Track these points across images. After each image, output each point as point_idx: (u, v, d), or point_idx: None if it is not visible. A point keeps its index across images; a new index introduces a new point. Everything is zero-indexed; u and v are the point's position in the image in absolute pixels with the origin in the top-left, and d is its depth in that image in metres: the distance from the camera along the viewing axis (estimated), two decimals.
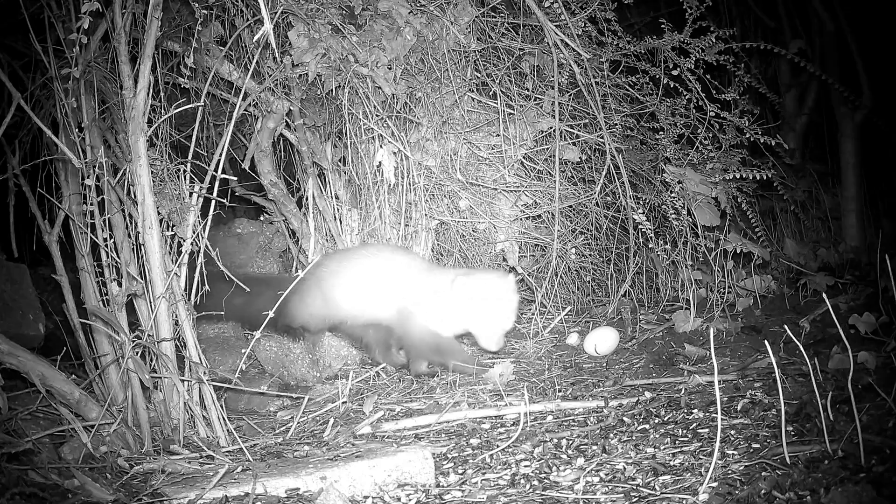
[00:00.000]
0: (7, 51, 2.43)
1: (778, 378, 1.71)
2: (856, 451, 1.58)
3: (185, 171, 2.26)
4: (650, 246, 3.10)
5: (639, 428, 2.03)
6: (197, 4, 2.21)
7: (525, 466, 1.85)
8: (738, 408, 2.05)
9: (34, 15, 2.18)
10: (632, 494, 1.63)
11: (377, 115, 2.88)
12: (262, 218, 3.27)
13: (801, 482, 1.57)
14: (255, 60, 2.59)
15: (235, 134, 2.89)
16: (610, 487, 1.69)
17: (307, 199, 3.07)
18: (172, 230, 2.21)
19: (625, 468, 1.76)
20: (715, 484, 1.61)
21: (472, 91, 3.10)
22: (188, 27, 2.67)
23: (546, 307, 3.18)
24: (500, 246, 3.17)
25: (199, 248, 2.24)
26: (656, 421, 2.07)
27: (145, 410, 2.10)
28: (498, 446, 1.98)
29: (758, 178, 3.10)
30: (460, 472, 1.86)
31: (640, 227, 2.95)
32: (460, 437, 2.11)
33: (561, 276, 3.18)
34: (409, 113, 2.98)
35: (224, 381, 2.29)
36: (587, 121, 3.12)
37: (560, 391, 2.44)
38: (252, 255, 3.17)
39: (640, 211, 2.98)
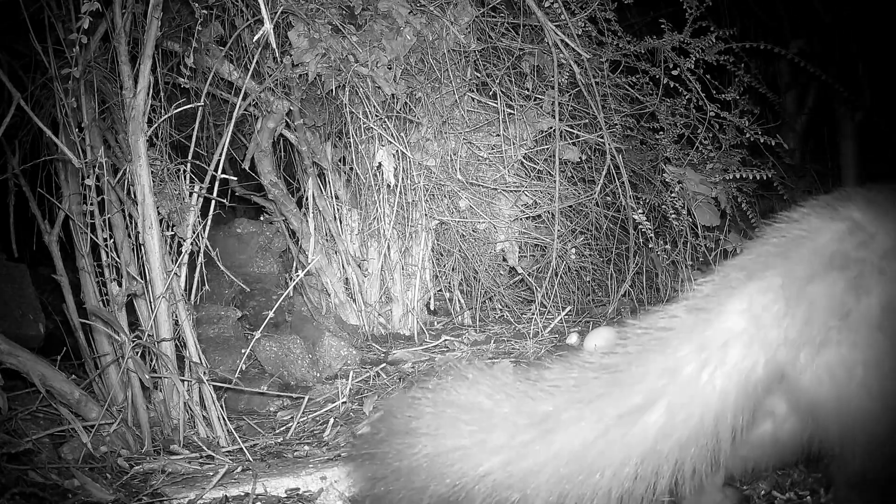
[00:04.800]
0: (7, 51, 2.43)
1: None
2: None
3: (185, 171, 2.26)
4: (650, 246, 3.10)
5: None
6: (197, 4, 2.21)
7: None
8: None
9: (34, 15, 2.18)
10: None
11: (377, 115, 2.88)
12: (262, 218, 3.27)
13: (801, 482, 1.57)
14: (255, 60, 2.59)
15: (235, 134, 2.89)
16: None
17: (307, 199, 3.07)
18: (172, 230, 2.21)
19: None
20: None
21: (472, 91, 3.10)
22: (188, 27, 2.67)
23: (546, 307, 3.18)
24: (500, 246, 3.17)
25: (199, 248, 2.24)
26: None
27: (145, 410, 2.10)
28: None
29: (758, 178, 3.10)
30: None
31: (640, 227, 2.95)
32: None
33: (561, 276, 3.18)
34: (409, 113, 2.99)
35: (224, 381, 2.29)
36: (587, 121, 3.12)
37: None
38: (252, 255, 3.17)
39: (640, 211, 2.98)
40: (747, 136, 3.09)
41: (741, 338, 1.17)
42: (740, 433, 1.17)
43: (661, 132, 3.12)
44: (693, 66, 2.99)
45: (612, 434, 1.17)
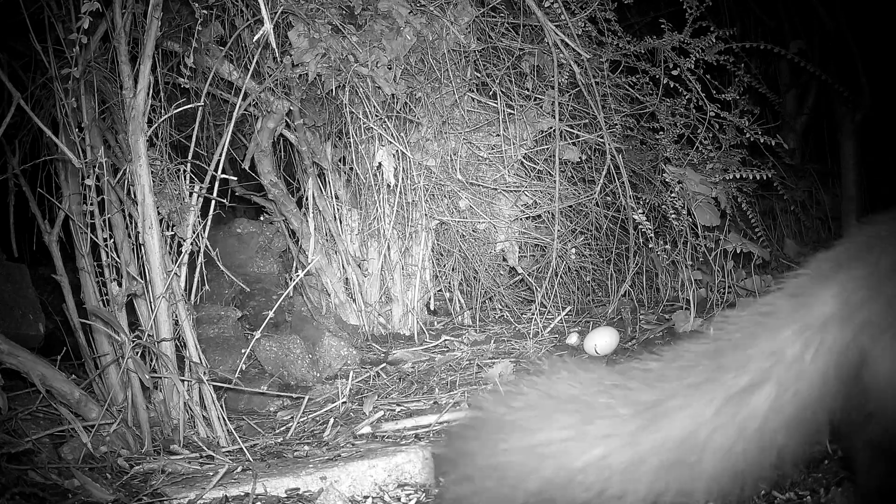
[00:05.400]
0: (7, 51, 2.43)
1: None
2: None
3: (185, 171, 2.26)
4: (650, 246, 3.11)
5: None
6: (197, 4, 2.21)
7: None
8: None
9: (34, 15, 2.18)
10: None
11: (377, 115, 2.89)
12: (262, 218, 3.27)
13: (801, 482, 1.57)
14: (255, 60, 2.59)
15: (235, 134, 2.89)
16: None
17: (307, 199, 3.07)
18: (172, 230, 2.21)
19: None
20: None
21: (472, 91, 3.10)
22: (188, 27, 2.67)
23: (546, 307, 3.18)
24: (500, 246, 3.17)
25: (199, 248, 2.24)
26: None
27: (145, 410, 2.10)
28: None
29: (758, 178, 3.10)
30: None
31: (640, 227, 2.95)
32: None
33: (561, 276, 3.19)
34: (409, 113, 2.99)
35: (224, 381, 2.29)
36: (587, 121, 3.12)
37: None
38: (252, 255, 3.17)
39: (640, 211, 2.98)
40: (747, 136, 3.09)
41: (835, 319, 1.23)
42: (837, 412, 1.22)
43: (661, 132, 3.12)
44: (693, 66, 2.99)
45: (723, 416, 1.20)
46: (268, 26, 1.97)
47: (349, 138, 3.00)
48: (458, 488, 1.26)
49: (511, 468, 1.22)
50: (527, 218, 3.19)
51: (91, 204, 2.12)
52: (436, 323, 3.31)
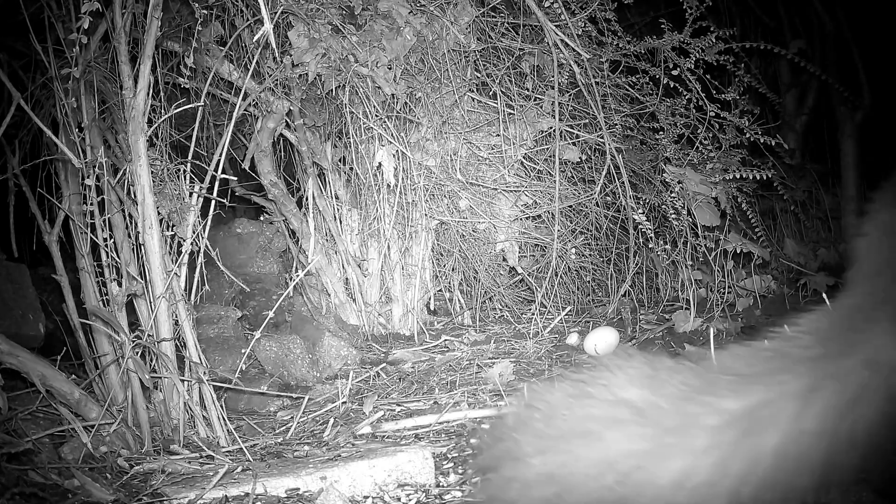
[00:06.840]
0: (7, 51, 2.43)
1: None
2: None
3: (185, 171, 2.26)
4: (650, 246, 3.11)
5: None
6: (197, 4, 2.21)
7: None
8: None
9: (34, 15, 2.18)
10: None
11: (377, 115, 2.89)
12: (262, 218, 3.27)
13: None
14: (255, 60, 2.59)
15: (235, 134, 2.89)
16: None
17: (307, 199, 3.07)
18: (172, 230, 2.21)
19: None
20: None
21: (472, 91, 3.10)
22: (188, 27, 2.67)
23: (546, 307, 3.18)
24: (500, 246, 3.17)
25: (199, 248, 2.24)
26: None
27: (145, 410, 2.10)
28: None
29: (758, 178, 3.10)
30: (460, 472, 1.86)
31: (640, 227, 2.95)
32: (460, 437, 2.11)
33: (561, 276, 3.19)
34: (409, 113, 2.99)
35: (224, 381, 2.29)
36: (587, 121, 3.12)
37: None
38: (252, 255, 3.17)
39: (640, 211, 2.98)
40: (747, 136, 3.09)
41: None
42: None
43: (661, 132, 3.13)
44: (693, 66, 3.00)
45: (825, 428, 1.07)
46: (268, 26, 1.96)
47: (349, 138, 3.00)
48: (502, 490, 1.11)
49: (574, 479, 1.07)
50: (527, 218, 3.19)
51: (91, 204, 2.12)
52: (436, 323, 3.31)
